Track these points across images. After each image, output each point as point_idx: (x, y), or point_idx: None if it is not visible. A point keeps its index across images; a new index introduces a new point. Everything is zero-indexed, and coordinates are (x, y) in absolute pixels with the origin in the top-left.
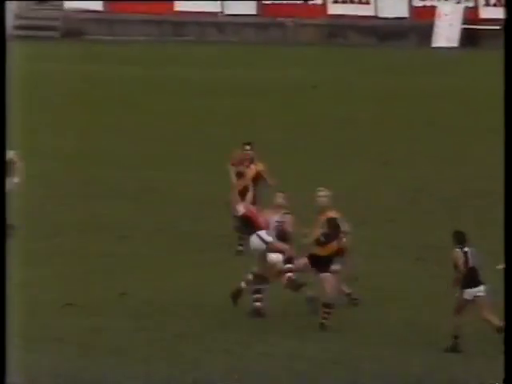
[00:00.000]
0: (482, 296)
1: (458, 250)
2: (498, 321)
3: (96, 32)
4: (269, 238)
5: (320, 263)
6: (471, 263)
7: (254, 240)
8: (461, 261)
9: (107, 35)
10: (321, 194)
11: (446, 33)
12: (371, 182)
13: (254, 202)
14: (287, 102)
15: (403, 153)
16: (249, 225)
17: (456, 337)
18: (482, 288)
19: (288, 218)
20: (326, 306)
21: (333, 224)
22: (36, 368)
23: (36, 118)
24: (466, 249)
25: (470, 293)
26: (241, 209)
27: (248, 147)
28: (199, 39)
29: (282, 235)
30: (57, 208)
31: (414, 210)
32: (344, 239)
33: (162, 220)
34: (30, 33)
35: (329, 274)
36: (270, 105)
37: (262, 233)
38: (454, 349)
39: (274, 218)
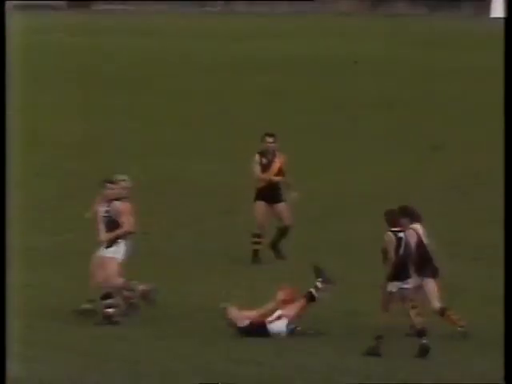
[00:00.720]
0: (407, 289)
1: (390, 233)
2: (420, 321)
3: (108, 2)
4: (280, 326)
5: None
6: (402, 251)
7: (273, 328)
8: (392, 247)
9: (120, 5)
10: (123, 184)
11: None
12: (418, 169)
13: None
14: (324, 80)
15: (455, 136)
16: (258, 328)
17: (379, 337)
18: (409, 281)
19: (119, 206)
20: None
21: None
22: (41, 380)
23: (40, 99)
24: (400, 234)
25: (395, 285)
26: (245, 321)
27: (271, 139)
28: (226, 10)
29: (110, 225)
30: (64, 201)
31: (468, 201)
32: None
33: (185, 214)
34: (34, 3)
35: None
36: (304, 82)
37: (273, 326)
38: (375, 351)
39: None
